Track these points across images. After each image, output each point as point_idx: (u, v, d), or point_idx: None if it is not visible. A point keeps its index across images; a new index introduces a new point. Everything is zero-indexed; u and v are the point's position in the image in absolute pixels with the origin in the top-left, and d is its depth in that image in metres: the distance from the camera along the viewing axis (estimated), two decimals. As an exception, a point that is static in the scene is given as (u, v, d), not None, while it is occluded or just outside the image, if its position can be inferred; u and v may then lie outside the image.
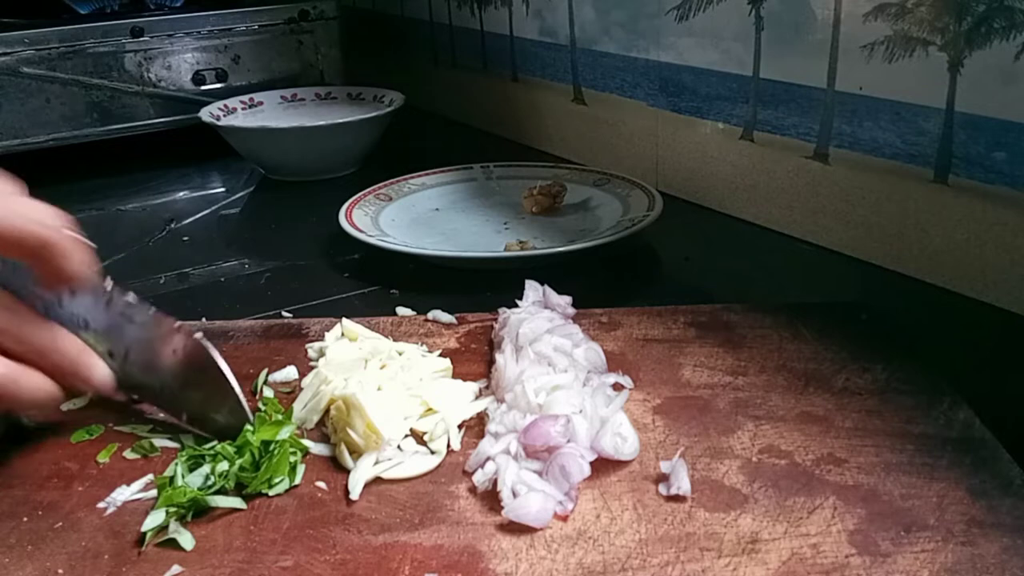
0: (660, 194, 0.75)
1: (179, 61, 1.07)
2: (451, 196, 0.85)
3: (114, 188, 1.00)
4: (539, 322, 0.52)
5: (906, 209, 0.65)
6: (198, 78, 1.09)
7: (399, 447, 0.45)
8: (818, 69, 0.69)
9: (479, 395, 0.50)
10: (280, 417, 0.48)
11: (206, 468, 0.43)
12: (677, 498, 0.40)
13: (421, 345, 0.55)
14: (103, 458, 0.46)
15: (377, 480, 0.43)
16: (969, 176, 0.60)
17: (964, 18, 0.58)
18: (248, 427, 0.45)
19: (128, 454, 0.46)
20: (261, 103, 1.08)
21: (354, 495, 0.42)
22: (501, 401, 0.47)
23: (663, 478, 0.42)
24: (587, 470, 0.41)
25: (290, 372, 0.53)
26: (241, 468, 0.43)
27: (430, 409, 0.48)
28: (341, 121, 0.95)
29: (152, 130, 1.07)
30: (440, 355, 0.54)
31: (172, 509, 0.40)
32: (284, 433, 0.44)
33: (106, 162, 1.07)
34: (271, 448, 0.43)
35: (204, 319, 0.61)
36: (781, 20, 0.71)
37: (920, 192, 0.64)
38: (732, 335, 0.55)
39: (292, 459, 0.44)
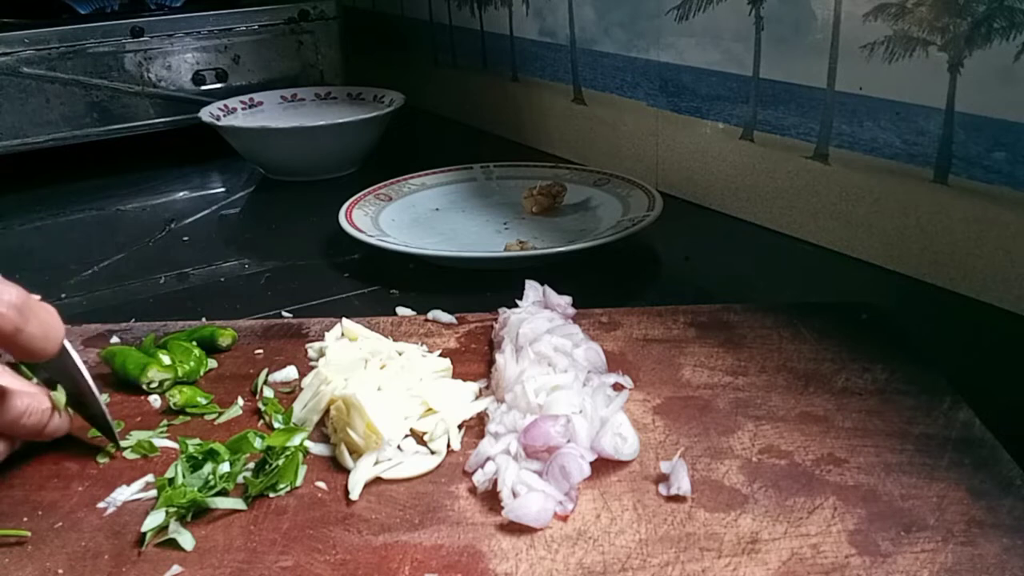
0: (660, 194, 0.75)
1: (179, 61, 1.07)
2: (451, 196, 0.85)
3: (114, 188, 1.00)
4: (539, 322, 0.52)
5: (906, 209, 0.65)
6: (198, 78, 1.09)
7: (399, 447, 0.45)
8: (818, 69, 0.69)
9: (479, 395, 0.50)
10: (281, 417, 0.48)
11: (207, 469, 0.43)
12: (677, 498, 0.40)
13: (421, 345, 0.55)
14: (103, 458, 0.46)
15: (377, 480, 0.43)
16: (969, 176, 0.60)
17: (964, 18, 0.58)
18: (256, 434, 0.45)
19: (128, 454, 0.46)
20: (261, 103, 1.08)
21: (354, 495, 0.42)
22: (501, 401, 0.47)
23: (663, 478, 0.42)
24: (587, 470, 0.41)
25: (290, 372, 0.53)
26: (250, 469, 0.43)
27: (430, 409, 0.48)
28: (341, 121, 0.95)
29: (152, 130, 1.07)
30: (440, 355, 0.54)
31: (172, 509, 0.40)
32: (296, 440, 0.44)
33: (106, 162, 1.07)
34: (281, 454, 0.43)
35: (204, 319, 0.61)
36: (781, 20, 0.71)
37: (920, 192, 0.64)
38: (732, 335, 0.55)
39: (292, 460, 0.44)
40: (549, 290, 0.57)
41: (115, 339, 0.59)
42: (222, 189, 1.01)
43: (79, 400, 0.47)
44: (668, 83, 0.84)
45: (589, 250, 0.67)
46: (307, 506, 0.42)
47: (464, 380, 0.51)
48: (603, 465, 0.43)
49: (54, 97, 1.01)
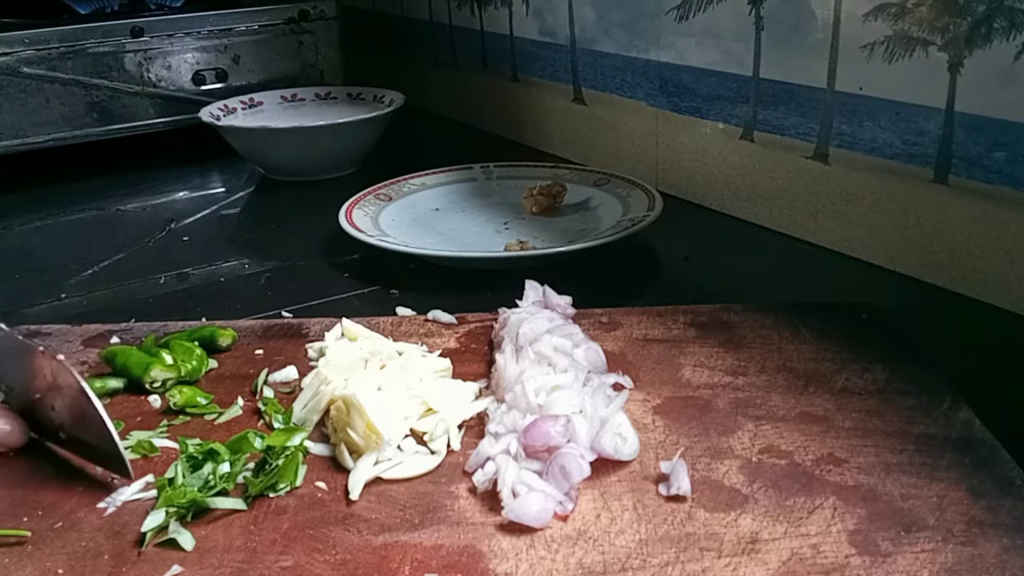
0: (660, 194, 0.75)
1: (179, 61, 1.07)
2: (451, 196, 0.85)
3: (114, 188, 1.00)
4: (539, 322, 0.52)
5: (906, 209, 0.65)
6: (198, 78, 1.09)
7: (399, 447, 0.45)
8: (818, 69, 0.69)
9: (479, 395, 0.50)
10: (281, 417, 0.48)
11: (207, 469, 0.43)
12: (677, 498, 0.40)
13: (421, 345, 0.55)
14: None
15: (377, 480, 0.43)
16: (969, 176, 0.60)
17: (964, 18, 0.58)
18: (256, 434, 0.45)
19: (128, 454, 0.46)
20: (261, 103, 1.08)
21: (354, 495, 0.42)
22: (501, 401, 0.47)
23: (663, 478, 0.42)
24: (587, 470, 0.41)
25: (290, 372, 0.53)
26: (250, 469, 0.43)
27: (430, 409, 0.48)
28: (341, 121, 0.95)
29: (152, 130, 1.08)
30: (440, 355, 0.54)
31: (172, 509, 0.40)
32: (296, 440, 0.44)
33: (106, 162, 1.07)
34: (281, 454, 0.43)
35: (204, 319, 0.61)
36: (781, 20, 0.71)
37: (920, 192, 0.64)
38: (732, 335, 0.55)
39: (292, 460, 0.44)
40: (549, 290, 0.57)
41: (115, 339, 0.59)
42: (222, 189, 1.01)
43: (79, 428, 0.45)
44: (668, 83, 0.84)
45: (589, 250, 0.67)
46: (307, 506, 0.42)
47: (464, 380, 0.51)
48: (603, 465, 0.43)
49: (54, 97, 1.01)
